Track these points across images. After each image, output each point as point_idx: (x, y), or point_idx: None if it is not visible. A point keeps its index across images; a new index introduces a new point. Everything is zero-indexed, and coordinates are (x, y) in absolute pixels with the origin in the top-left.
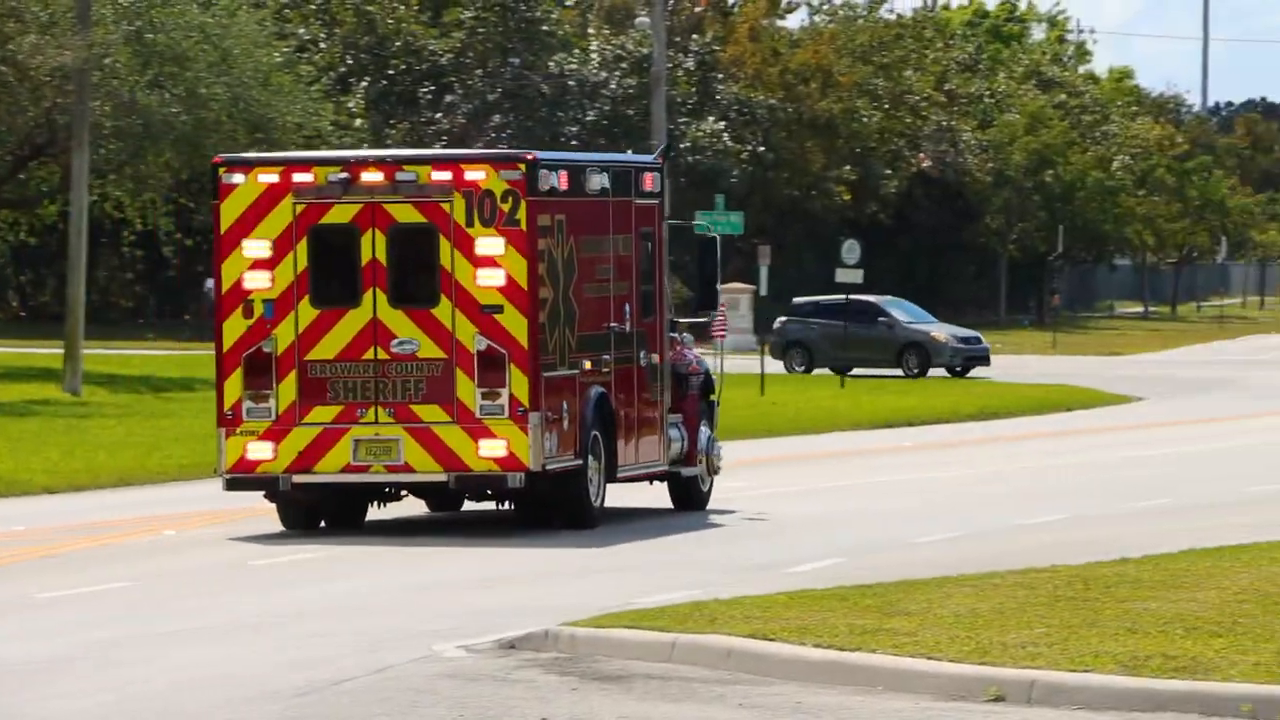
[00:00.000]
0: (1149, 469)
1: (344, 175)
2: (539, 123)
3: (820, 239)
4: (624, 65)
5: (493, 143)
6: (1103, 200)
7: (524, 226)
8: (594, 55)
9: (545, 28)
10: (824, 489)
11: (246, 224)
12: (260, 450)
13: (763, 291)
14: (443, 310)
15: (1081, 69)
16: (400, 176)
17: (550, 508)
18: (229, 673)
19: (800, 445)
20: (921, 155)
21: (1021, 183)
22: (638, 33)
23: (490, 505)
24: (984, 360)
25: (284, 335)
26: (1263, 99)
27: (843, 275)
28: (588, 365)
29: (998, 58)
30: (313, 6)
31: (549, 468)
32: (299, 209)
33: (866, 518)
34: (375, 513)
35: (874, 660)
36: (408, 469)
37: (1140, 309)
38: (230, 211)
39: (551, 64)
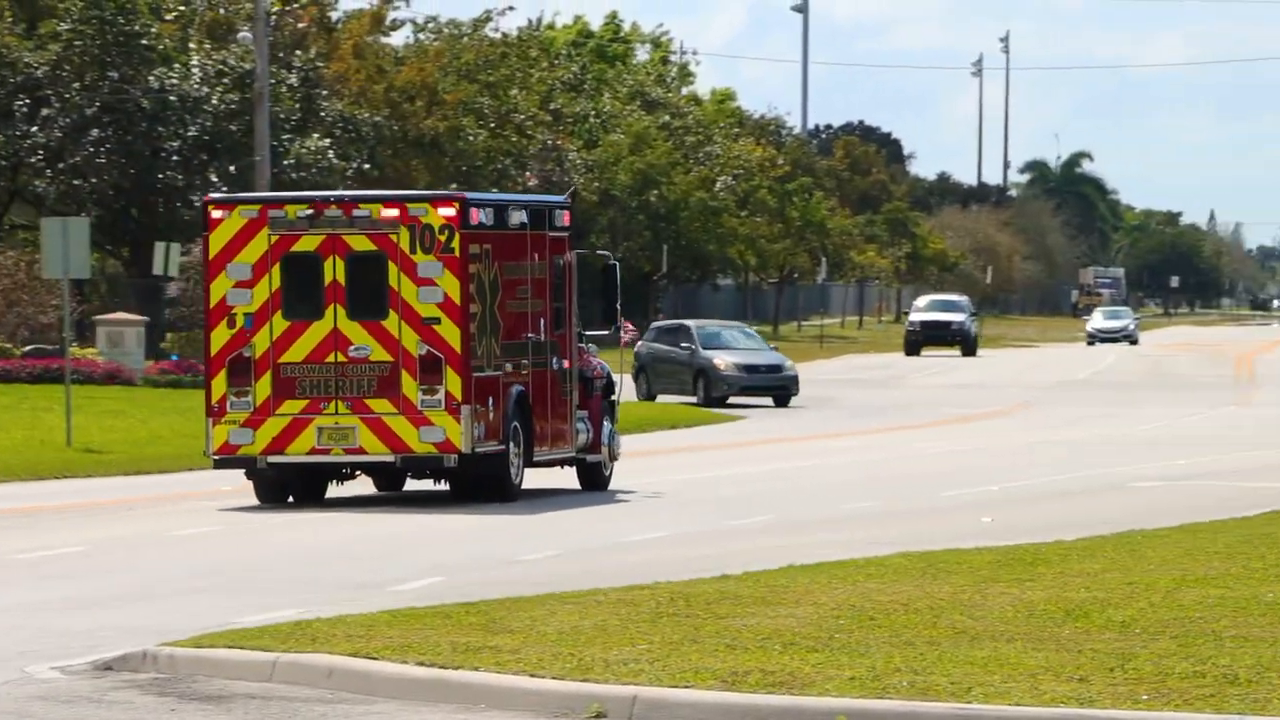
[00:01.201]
0: (749, 486)
1: (310, 211)
2: (139, 137)
3: None
4: (226, 80)
5: (90, 157)
6: (706, 220)
7: (458, 254)
8: (195, 70)
9: (145, 42)
10: (411, 503)
11: (230, 251)
12: (241, 436)
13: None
14: (391, 322)
15: (685, 90)
16: (356, 213)
17: (478, 485)
18: None
19: None
20: (528, 174)
21: (626, 202)
22: (240, 48)
23: (429, 483)
24: (780, 389)
25: (261, 342)
26: (860, 122)
27: None
28: (510, 368)
29: (602, 78)
30: None
31: (478, 451)
32: (273, 239)
33: (468, 535)
34: (334, 489)
35: (477, 678)
36: (362, 451)
37: None
38: (217, 241)
39: (152, 78)
